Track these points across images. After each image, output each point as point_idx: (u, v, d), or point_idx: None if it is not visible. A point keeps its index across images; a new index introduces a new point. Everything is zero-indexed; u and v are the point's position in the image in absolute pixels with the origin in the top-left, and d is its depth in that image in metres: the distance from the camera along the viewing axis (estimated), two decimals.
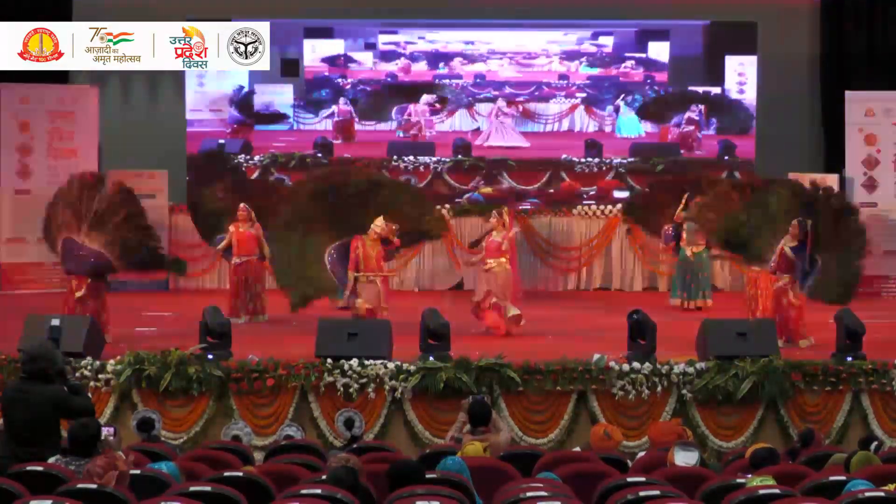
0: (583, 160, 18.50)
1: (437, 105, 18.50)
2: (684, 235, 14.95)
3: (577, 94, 18.61)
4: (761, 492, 6.14)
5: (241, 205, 14.02)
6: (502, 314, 12.93)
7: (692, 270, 14.97)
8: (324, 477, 6.27)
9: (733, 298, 15.02)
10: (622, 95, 18.44)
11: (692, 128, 18.43)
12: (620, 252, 17.61)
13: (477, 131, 18.61)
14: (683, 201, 15.09)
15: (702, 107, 18.36)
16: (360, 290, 12.76)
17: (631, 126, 18.54)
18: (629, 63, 18.62)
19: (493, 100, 18.61)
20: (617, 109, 18.50)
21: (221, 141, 18.39)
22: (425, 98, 18.47)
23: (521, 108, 18.63)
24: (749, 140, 18.39)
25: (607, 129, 18.58)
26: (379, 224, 12.79)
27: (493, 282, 13.04)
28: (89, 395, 10.26)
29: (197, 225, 15.52)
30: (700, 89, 18.50)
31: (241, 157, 18.39)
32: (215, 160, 18.16)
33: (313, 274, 13.17)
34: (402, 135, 18.55)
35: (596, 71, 18.65)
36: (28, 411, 6.84)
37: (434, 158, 18.46)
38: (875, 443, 8.25)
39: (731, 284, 17.04)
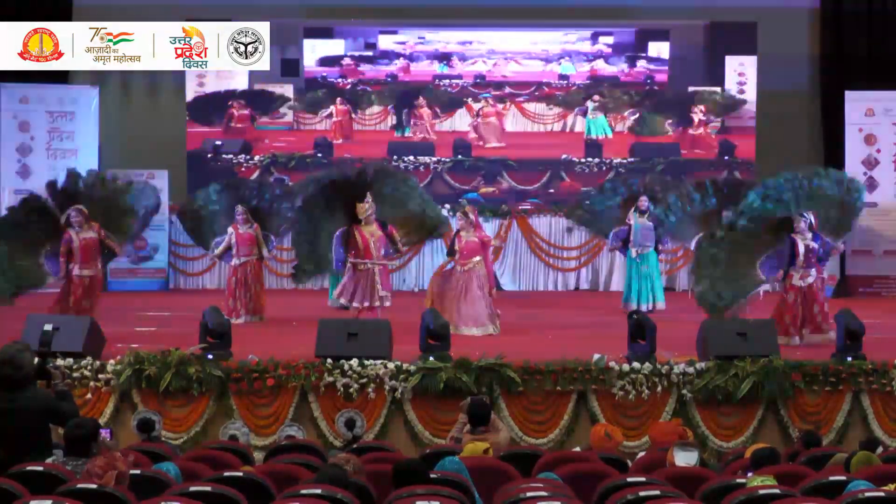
0: (583, 160, 18.52)
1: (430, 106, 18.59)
2: (631, 238, 14.85)
3: (577, 95, 18.64)
4: (761, 492, 6.13)
5: (239, 206, 14.02)
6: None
7: (639, 273, 14.81)
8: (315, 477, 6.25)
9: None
10: (592, 96, 18.51)
11: (702, 130, 18.48)
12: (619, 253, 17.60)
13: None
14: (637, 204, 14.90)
15: (702, 107, 18.40)
16: (354, 281, 12.79)
17: (599, 127, 18.57)
18: (629, 63, 18.65)
19: (492, 100, 18.65)
20: (584, 112, 18.53)
21: (218, 142, 18.40)
22: (421, 100, 18.52)
23: (506, 106, 18.68)
24: (749, 140, 18.41)
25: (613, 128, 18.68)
26: (364, 208, 12.84)
27: (472, 278, 12.97)
28: (89, 395, 10.34)
29: (187, 230, 15.41)
30: (700, 89, 18.55)
31: (241, 157, 18.40)
32: (209, 161, 18.17)
33: (323, 253, 13.31)
34: (404, 134, 18.60)
35: (594, 71, 18.67)
36: (15, 418, 6.79)
37: (434, 158, 18.48)
38: (879, 448, 8.23)
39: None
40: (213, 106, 18.45)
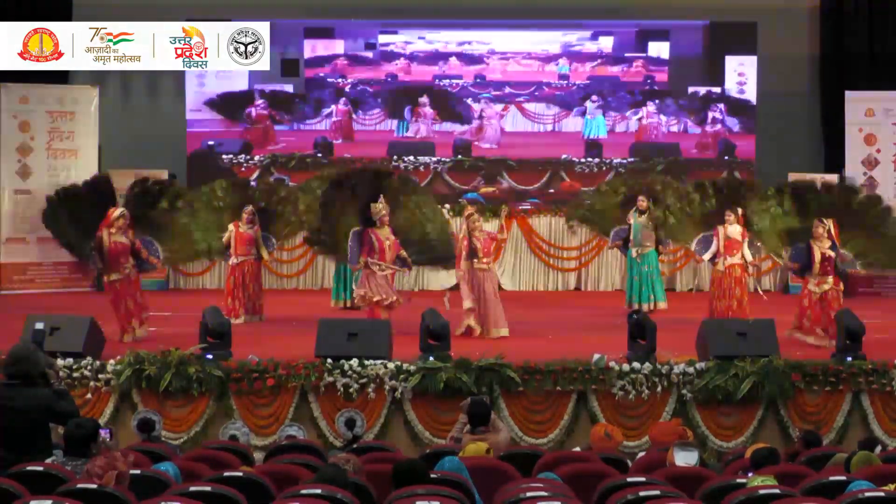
0: (583, 160, 18.53)
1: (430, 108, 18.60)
2: (632, 237, 14.72)
3: (577, 95, 18.64)
4: (761, 492, 6.13)
5: (249, 207, 13.98)
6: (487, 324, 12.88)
7: (640, 273, 14.66)
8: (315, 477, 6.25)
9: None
10: (591, 96, 18.52)
11: (719, 127, 18.49)
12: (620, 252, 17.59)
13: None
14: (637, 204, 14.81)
15: (722, 105, 18.43)
16: (369, 279, 12.75)
17: (597, 126, 18.57)
18: (629, 63, 18.65)
19: (492, 101, 18.66)
20: (583, 112, 18.53)
21: (211, 142, 18.40)
22: (423, 100, 18.52)
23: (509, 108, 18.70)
24: (749, 140, 18.41)
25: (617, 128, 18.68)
26: (378, 209, 12.79)
27: (489, 281, 12.96)
28: (89, 395, 10.35)
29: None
30: (700, 89, 18.55)
31: (241, 157, 18.40)
32: (207, 161, 18.16)
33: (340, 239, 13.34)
34: (407, 134, 18.61)
35: (594, 70, 18.67)
36: (15, 416, 6.81)
37: (434, 158, 18.48)
38: (878, 447, 8.23)
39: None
40: (237, 103, 18.46)
